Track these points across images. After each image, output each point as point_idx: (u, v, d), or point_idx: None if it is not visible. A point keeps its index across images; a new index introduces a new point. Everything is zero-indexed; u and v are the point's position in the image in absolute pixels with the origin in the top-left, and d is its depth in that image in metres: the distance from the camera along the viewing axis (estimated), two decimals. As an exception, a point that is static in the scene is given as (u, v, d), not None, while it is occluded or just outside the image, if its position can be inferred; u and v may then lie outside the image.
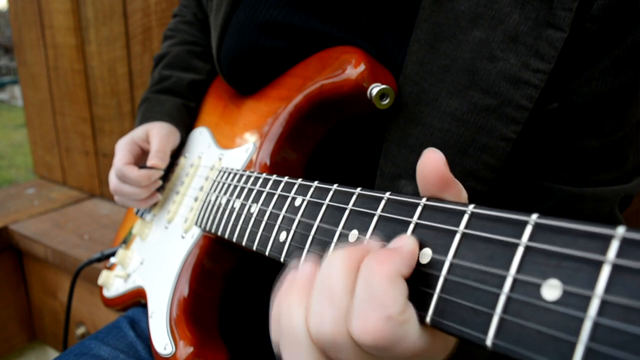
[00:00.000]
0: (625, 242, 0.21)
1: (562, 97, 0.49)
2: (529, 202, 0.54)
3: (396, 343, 0.27)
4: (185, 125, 0.83)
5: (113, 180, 0.76)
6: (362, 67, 0.52)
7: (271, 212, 0.48)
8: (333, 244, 0.38)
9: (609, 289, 0.21)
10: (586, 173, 0.52)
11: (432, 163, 0.32)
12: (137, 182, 0.74)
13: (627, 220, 0.57)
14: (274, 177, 0.51)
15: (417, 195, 0.53)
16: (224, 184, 0.61)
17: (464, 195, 0.33)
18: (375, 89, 0.50)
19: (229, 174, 0.61)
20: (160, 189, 0.80)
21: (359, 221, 0.36)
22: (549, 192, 0.53)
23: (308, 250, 0.41)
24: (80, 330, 1.55)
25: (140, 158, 0.78)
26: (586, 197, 0.52)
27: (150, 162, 0.74)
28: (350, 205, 0.38)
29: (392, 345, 0.27)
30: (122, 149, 0.76)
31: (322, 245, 0.39)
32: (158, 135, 0.76)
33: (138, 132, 0.78)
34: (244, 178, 0.57)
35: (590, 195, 0.52)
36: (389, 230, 0.33)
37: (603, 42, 0.47)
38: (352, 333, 0.28)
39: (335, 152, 0.63)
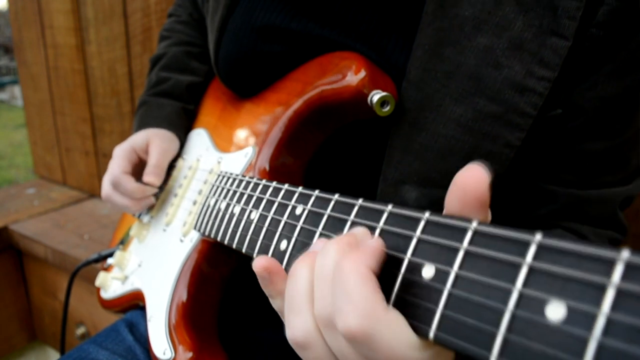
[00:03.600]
0: (629, 267, 0.21)
1: (566, 103, 0.49)
2: (533, 205, 0.55)
3: (373, 337, 0.29)
4: (185, 129, 0.83)
5: (106, 187, 0.75)
6: (362, 74, 0.51)
7: (272, 220, 0.47)
8: None
9: (613, 312, 0.21)
10: (591, 176, 0.52)
11: (476, 181, 0.29)
12: (131, 194, 0.73)
13: (626, 220, 0.58)
14: (274, 184, 0.50)
15: (420, 201, 0.53)
16: (223, 188, 0.60)
17: (489, 215, 0.32)
18: (376, 96, 0.50)
19: (228, 178, 0.61)
20: (158, 191, 0.79)
21: (361, 233, 0.36)
22: (553, 195, 0.53)
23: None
24: (80, 330, 1.55)
25: (138, 166, 0.77)
26: (591, 199, 0.53)
27: (146, 178, 0.73)
28: (352, 217, 0.38)
29: (371, 341, 0.29)
30: (121, 156, 0.75)
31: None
32: (158, 148, 0.75)
33: (138, 141, 0.77)
34: (243, 183, 0.56)
35: (595, 198, 0.53)
36: (391, 243, 0.33)
37: (608, 47, 0.46)
38: (337, 328, 0.30)
39: (337, 157, 0.63)
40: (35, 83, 1.90)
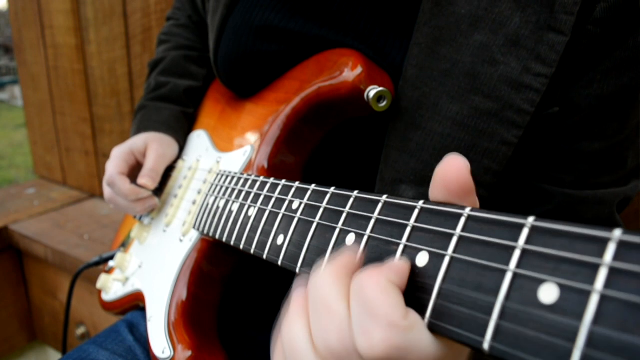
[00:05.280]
0: (622, 245, 0.21)
1: (563, 100, 0.49)
2: (528, 205, 0.54)
3: (407, 350, 0.27)
4: (184, 132, 0.83)
5: (107, 190, 0.76)
6: (359, 70, 0.51)
7: (269, 215, 0.48)
8: (330, 248, 0.38)
9: (606, 292, 0.21)
10: (588, 176, 0.52)
11: (455, 169, 0.30)
12: (125, 196, 0.73)
13: (626, 219, 0.57)
14: (272, 180, 0.50)
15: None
16: (221, 187, 0.61)
17: (477, 201, 0.32)
18: (372, 91, 0.50)
19: (227, 177, 0.61)
20: (158, 193, 0.80)
21: (356, 224, 0.36)
22: (549, 195, 0.52)
23: (305, 254, 0.40)
24: (80, 331, 1.55)
25: (135, 169, 0.77)
26: (587, 200, 0.52)
27: (140, 180, 0.73)
28: (347, 209, 0.38)
29: (404, 355, 0.27)
30: (118, 157, 0.75)
31: (319, 249, 0.39)
32: (155, 153, 0.75)
33: (137, 143, 0.77)
34: (241, 181, 0.56)
35: (592, 198, 0.52)
36: (386, 233, 0.33)
37: (605, 45, 0.46)
38: (360, 352, 0.27)
39: (335, 157, 0.63)
40: (35, 83, 1.90)
